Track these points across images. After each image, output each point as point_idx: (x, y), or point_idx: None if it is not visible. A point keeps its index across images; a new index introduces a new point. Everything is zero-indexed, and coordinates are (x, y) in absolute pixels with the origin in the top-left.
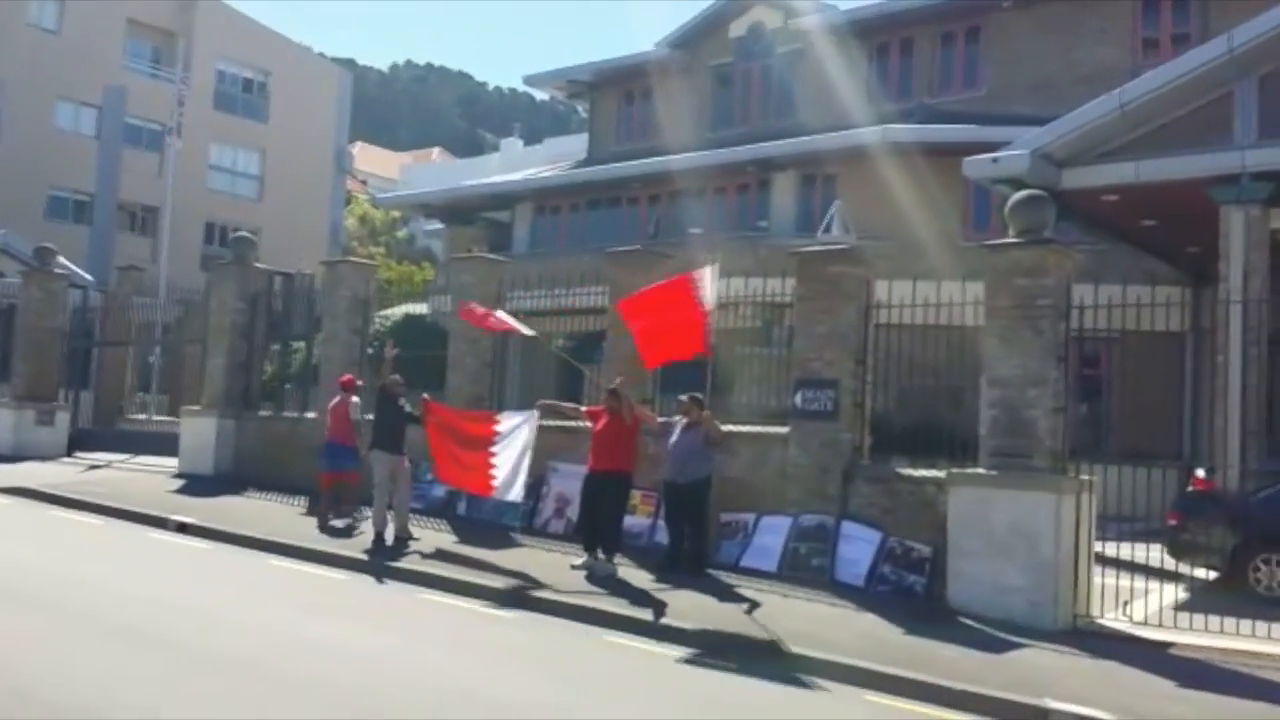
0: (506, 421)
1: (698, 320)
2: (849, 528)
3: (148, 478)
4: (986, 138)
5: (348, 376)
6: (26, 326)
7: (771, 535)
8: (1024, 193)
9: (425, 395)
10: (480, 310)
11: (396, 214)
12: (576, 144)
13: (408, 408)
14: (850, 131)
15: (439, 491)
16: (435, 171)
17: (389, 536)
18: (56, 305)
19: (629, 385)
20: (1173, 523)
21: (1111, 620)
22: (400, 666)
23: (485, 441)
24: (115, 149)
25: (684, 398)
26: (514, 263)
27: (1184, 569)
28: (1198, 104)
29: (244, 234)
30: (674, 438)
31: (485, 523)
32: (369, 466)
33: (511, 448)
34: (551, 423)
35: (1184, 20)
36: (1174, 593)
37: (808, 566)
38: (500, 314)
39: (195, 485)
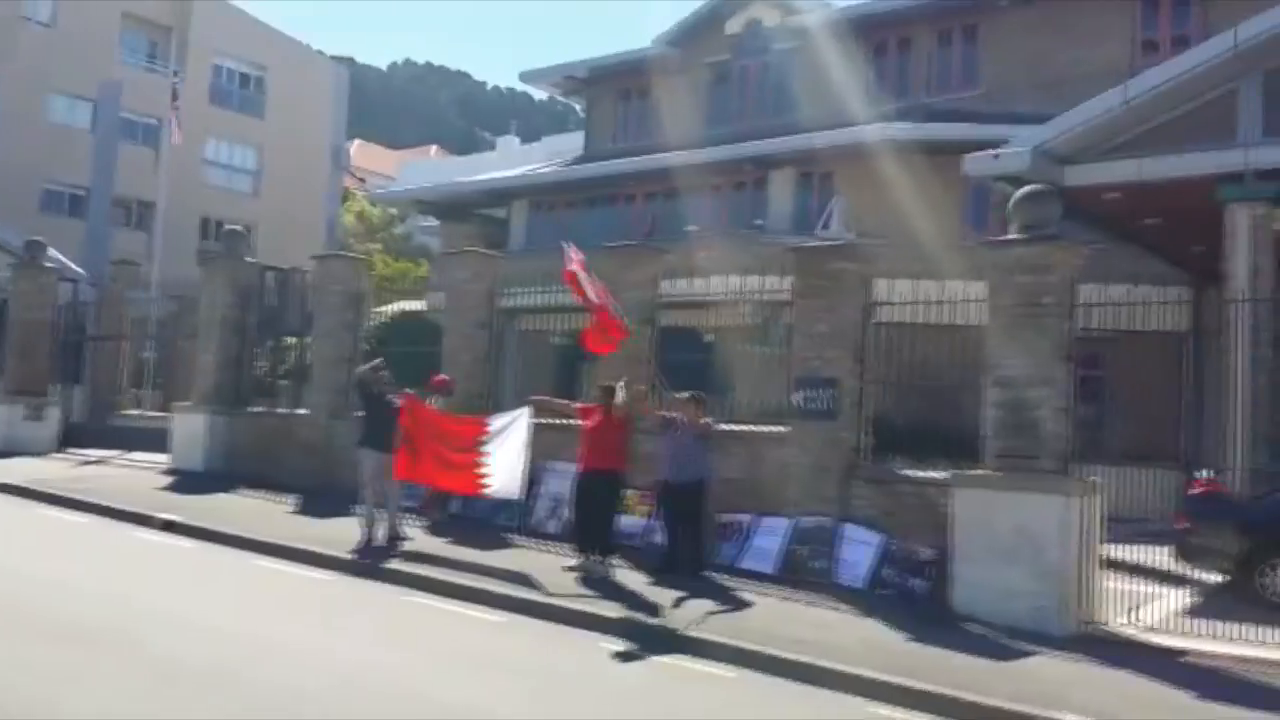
0: (497, 420)
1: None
2: (849, 530)
3: (138, 474)
4: (984, 136)
5: (441, 377)
6: (17, 320)
7: (770, 537)
8: (1029, 187)
9: (408, 389)
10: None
11: (394, 211)
12: (573, 142)
13: (396, 402)
14: (848, 129)
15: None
16: (433, 169)
17: (379, 536)
18: (46, 299)
19: (631, 382)
20: (1183, 525)
21: (1120, 626)
22: (381, 676)
23: (476, 441)
24: (111, 143)
25: (683, 395)
26: (509, 259)
27: (1190, 573)
28: (1202, 101)
29: (235, 228)
30: (671, 437)
31: (478, 522)
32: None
33: (506, 445)
34: (545, 421)
35: (1184, 21)
36: (1182, 597)
37: (808, 569)
38: (582, 275)
39: (185, 482)
